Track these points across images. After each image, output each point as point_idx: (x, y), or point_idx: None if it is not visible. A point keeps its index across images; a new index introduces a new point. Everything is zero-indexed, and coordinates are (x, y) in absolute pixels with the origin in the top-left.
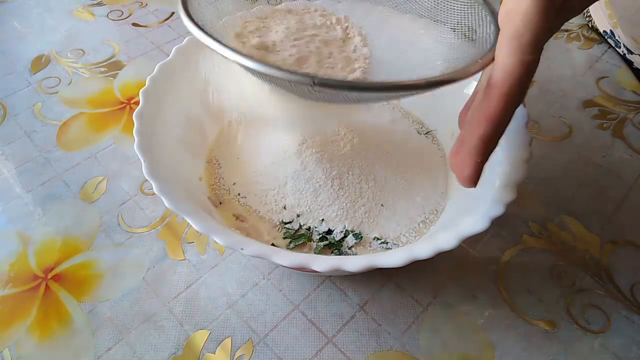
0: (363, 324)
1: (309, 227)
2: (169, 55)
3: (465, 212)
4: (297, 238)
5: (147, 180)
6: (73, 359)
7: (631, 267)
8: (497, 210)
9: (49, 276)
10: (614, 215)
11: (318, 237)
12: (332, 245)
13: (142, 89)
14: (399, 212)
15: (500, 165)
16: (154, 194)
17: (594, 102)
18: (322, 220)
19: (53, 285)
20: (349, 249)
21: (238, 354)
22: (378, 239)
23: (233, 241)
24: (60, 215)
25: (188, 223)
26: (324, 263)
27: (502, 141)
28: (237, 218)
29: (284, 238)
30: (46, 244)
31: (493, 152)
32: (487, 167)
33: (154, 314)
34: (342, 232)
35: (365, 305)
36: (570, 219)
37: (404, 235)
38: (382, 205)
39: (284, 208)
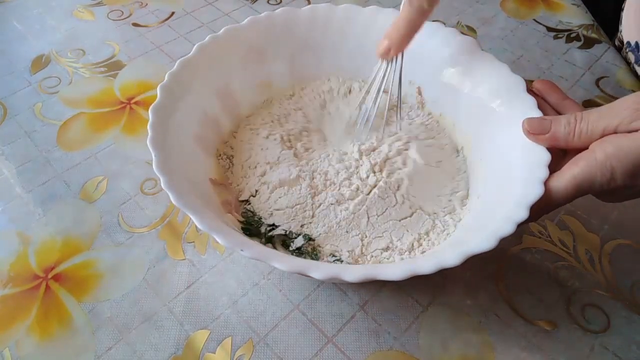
0: (363, 324)
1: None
2: (169, 56)
3: (475, 229)
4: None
5: (147, 179)
6: (73, 359)
7: (631, 267)
8: (507, 229)
9: (49, 276)
10: (614, 215)
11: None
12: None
13: (161, 84)
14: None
15: (516, 183)
16: (154, 193)
17: (594, 101)
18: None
19: (53, 285)
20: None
21: (238, 353)
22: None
23: (233, 241)
24: (60, 215)
25: (188, 223)
26: (322, 271)
27: (519, 159)
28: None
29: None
30: (46, 244)
31: (509, 170)
32: (503, 184)
33: (154, 314)
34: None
35: (365, 305)
36: (570, 219)
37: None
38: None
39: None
